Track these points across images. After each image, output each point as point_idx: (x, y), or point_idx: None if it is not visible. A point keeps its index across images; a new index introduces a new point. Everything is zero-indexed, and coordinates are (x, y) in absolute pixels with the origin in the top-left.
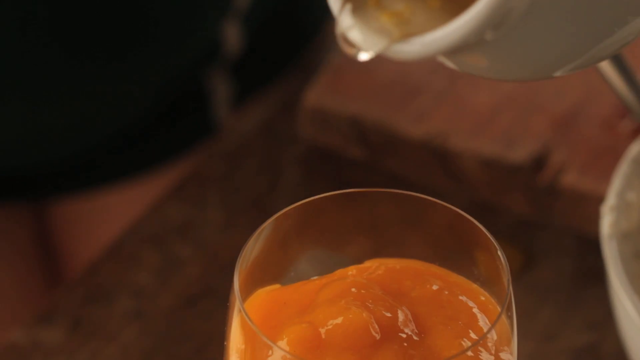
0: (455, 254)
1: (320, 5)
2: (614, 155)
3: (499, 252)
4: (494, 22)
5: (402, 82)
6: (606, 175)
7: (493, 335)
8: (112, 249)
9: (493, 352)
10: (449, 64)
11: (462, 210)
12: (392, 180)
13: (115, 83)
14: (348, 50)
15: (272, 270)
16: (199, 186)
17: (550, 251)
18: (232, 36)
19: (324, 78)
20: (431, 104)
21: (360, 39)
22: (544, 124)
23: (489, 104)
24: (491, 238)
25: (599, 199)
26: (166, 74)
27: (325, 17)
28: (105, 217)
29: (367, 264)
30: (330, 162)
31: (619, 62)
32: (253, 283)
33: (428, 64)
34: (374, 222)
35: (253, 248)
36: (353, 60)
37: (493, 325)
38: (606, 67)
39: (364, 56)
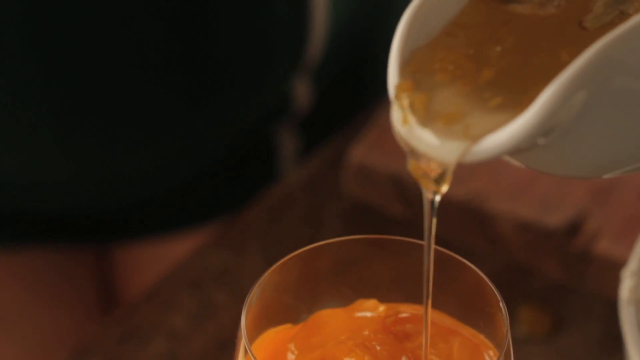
0: (462, 305)
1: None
2: None
3: (501, 304)
4: (544, 130)
5: None
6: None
7: None
8: (151, 292)
9: None
10: (513, 162)
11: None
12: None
13: (189, 133)
14: (429, 188)
15: (283, 310)
16: (240, 234)
17: (579, 316)
18: (303, 92)
19: (368, 136)
20: (471, 166)
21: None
22: (581, 191)
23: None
24: (492, 287)
25: None
26: (237, 126)
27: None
28: (166, 263)
29: (378, 306)
30: (372, 218)
31: None
32: (265, 322)
33: None
34: (392, 268)
35: (263, 288)
36: None
37: None
38: None
39: (443, 189)
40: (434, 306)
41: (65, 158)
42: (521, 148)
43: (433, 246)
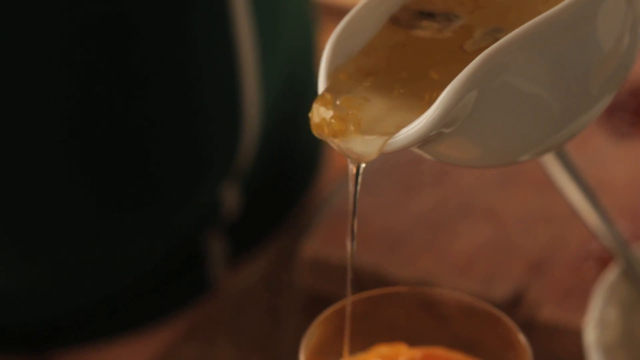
0: (475, 342)
1: (311, 167)
2: (582, 292)
3: (519, 336)
4: (445, 123)
5: (391, 229)
6: (577, 310)
7: None
8: None
9: None
10: (426, 155)
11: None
12: (387, 325)
13: (120, 242)
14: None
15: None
16: (208, 328)
17: None
18: (231, 198)
19: (319, 229)
20: (415, 253)
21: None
22: (520, 265)
23: (467, 250)
24: (514, 327)
25: (573, 332)
26: (169, 233)
27: (316, 179)
28: None
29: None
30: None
31: (590, 195)
32: None
33: (412, 216)
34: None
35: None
36: (345, 211)
37: None
38: (577, 202)
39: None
40: (453, 347)
41: None
42: (428, 139)
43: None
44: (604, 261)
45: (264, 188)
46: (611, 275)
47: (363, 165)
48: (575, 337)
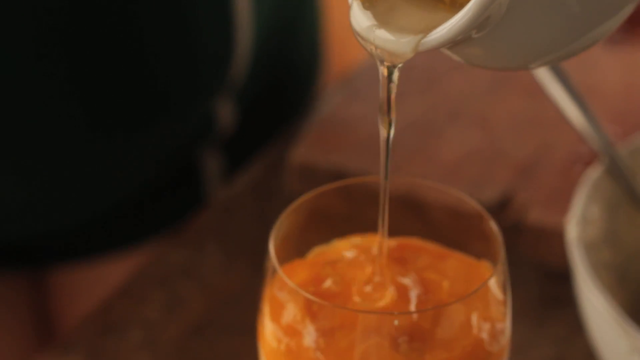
0: (450, 230)
1: (307, 78)
2: (570, 196)
3: (490, 223)
4: (477, 25)
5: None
6: (564, 213)
7: (489, 292)
8: (122, 289)
9: (489, 315)
10: (454, 57)
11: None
12: (373, 228)
13: (117, 158)
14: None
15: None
16: (198, 234)
17: (518, 282)
18: (226, 113)
19: (309, 135)
20: (405, 158)
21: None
22: (508, 169)
23: (456, 155)
24: (481, 210)
25: (559, 234)
26: (164, 149)
27: (312, 90)
28: (100, 285)
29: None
30: (316, 216)
31: (580, 104)
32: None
33: (401, 122)
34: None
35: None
36: (335, 118)
37: (489, 277)
38: (568, 110)
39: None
40: (427, 237)
41: None
42: (459, 40)
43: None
44: (592, 165)
45: (259, 102)
46: (595, 173)
47: (397, 68)
48: (562, 240)
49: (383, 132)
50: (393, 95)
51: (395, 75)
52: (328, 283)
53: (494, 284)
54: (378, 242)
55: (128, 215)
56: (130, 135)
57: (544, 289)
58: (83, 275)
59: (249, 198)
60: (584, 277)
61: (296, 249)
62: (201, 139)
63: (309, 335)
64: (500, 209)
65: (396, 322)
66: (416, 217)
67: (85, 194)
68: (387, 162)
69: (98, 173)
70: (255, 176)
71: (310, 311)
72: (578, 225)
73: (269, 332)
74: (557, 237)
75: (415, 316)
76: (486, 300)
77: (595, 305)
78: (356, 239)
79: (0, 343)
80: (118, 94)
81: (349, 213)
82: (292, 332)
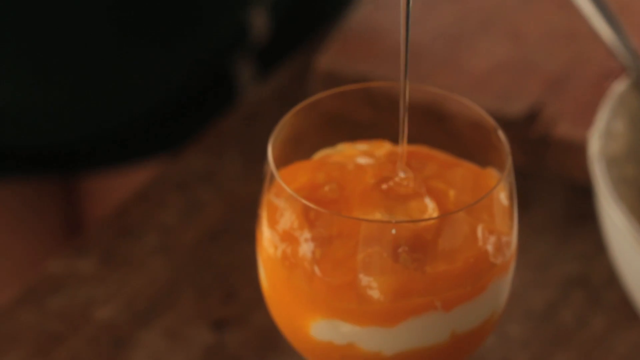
0: (459, 139)
1: None
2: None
3: (499, 132)
4: None
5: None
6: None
7: (494, 201)
8: (140, 193)
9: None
10: None
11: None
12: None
13: (150, 65)
14: None
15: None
16: (218, 140)
17: (543, 197)
18: (259, 23)
19: (334, 43)
20: (433, 68)
21: None
22: (538, 82)
23: (485, 67)
24: (490, 119)
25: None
26: (197, 58)
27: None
28: (129, 193)
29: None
30: (341, 124)
31: (610, 19)
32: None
33: (431, 30)
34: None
35: (284, 128)
36: (362, 27)
37: (495, 186)
38: (598, 24)
39: None
40: (434, 145)
41: (19, 88)
42: None
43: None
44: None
45: (293, 11)
46: (621, 87)
47: None
48: None
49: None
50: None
51: None
52: (327, 189)
53: (500, 195)
54: (395, 146)
55: (160, 122)
56: (163, 43)
57: (570, 205)
58: (112, 182)
59: (273, 105)
60: (604, 192)
61: (302, 152)
62: (235, 47)
63: (306, 243)
64: (528, 121)
65: (394, 231)
66: (429, 126)
67: (118, 101)
68: (407, 36)
69: (131, 80)
70: (281, 84)
71: (307, 218)
72: (601, 139)
73: (266, 238)
74: (584, 152)
75: (416, 226)
76: (492, 211)
77: (615, 222)
78: (362, 145)
79: (27, 247)
80: (151, 3)
81: (365, 118)
82: (288, 238)
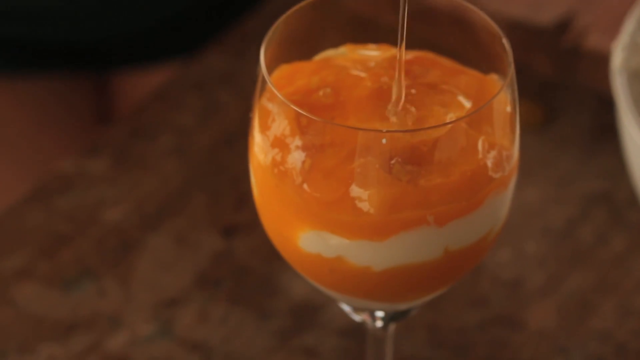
0: (464, 47)
1: None
2: None
3: (503, 40)
4: None
5: None
6: None
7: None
8: (157, 93)
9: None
10: None
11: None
12: (423, 43)
13: None
14: None
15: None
16: (241, 41)
17: (570, 108)
18: None
19: None
20: None
21: None
22: None
23: None
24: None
25: None
26: None
27: None
28: None
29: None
30: (368, 29)
31: None
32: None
33: None
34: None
35: (279, 30)
36: None
37: (496, 95)
38: None
39: None
40: (440, 52)
41: None
42: None
43: None
44: None
45: None
46: None
47: None
48: None
49: None
50: None
51: None
52: (321, 94)
53: (502, 105)
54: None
55: (193, 22)
56: None
57: (598, 119)
58: (145, 80)
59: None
60: (623, 107)
61: (302, 53)
62: None
63: (296, 150)
64: (559, 31)
65: (384, 141)
66: (439, 31)
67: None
68: None
69: None
70: None
71: (299, 124)
72: (624, 51)
73: (257, 144)
74: None
75: (411, 136)
76: (492, 121)
77: (635, 139)
78: (366, 49)
79: (58, 143)
80: None
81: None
82: (279, 145)
